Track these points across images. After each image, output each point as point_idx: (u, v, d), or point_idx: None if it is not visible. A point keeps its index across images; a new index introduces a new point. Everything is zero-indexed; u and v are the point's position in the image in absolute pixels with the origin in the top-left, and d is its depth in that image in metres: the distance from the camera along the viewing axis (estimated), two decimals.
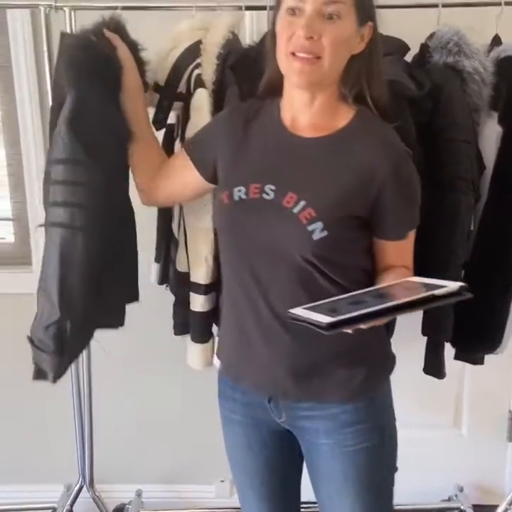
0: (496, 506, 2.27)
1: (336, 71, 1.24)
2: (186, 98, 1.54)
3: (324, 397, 1.32)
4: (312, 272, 1.24)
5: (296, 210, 1.22)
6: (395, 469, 1.41)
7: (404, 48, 1.61)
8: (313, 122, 1.29)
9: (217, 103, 1.52)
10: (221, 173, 1.37)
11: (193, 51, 1.53)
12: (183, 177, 1.45)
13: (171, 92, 1.54)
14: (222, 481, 2.36)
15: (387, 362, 1.40)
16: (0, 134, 2.15)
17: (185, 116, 1.56)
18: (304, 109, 1.29)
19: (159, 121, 1.57)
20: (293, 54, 1.20)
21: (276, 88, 1.33)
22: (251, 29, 1.88)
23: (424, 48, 1.61)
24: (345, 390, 1.31)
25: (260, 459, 1.45)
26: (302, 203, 1.22)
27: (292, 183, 1.25)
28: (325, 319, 1.01)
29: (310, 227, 1.21)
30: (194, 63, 1.52)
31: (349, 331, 1.04)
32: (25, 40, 1.99)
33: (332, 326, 1.00)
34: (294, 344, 1.28)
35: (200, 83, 1.50)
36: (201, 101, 1.49)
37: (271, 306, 1.28)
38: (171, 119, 1.62)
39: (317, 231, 1.20)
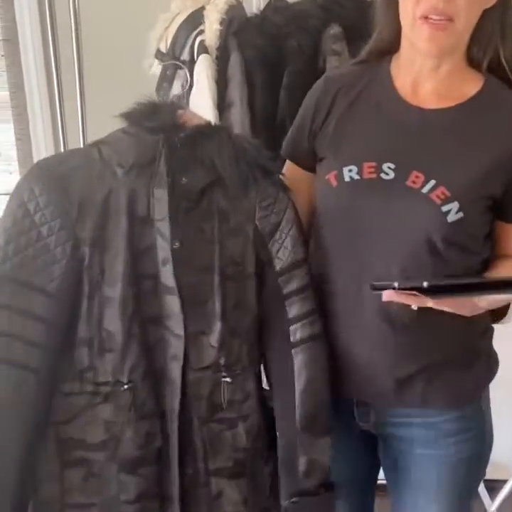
0: (504, 481, 2.27)
1: (467, 33, 1.10)
2: (190, 66, 1.53)
3: (428, 404, 1.18)
4: (434, 261, 1.11)
5: (425, 189, 1.09)
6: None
7: None
8: (437, 91, 1.14)
9: (221, 70, 1.51)
10: (323, 151, 1.21)
11: (197, 17, 1.52)
12: (303, 192, 1.23)
13: (175, 60, 1.54)
14: None
15: (493, 365, 1.27)
16: (9, 109, 2.15)
17: (190, 85, 1.55)
18: (427, 76, 1.13)
19: (163, 90, 1.57)
20: (423, 17, 1.05)
21: (387, 51, 1.18)
22: None
23: None
24: (452, 396, 1.18)
25: (338, 466, 1.29)
26: (432, 182, 1.09)
27: (416, 160, 1.11)
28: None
29: (444, 208, 1.07)
30: (197, 30, 1.52)
31: (421, 304, 0.99)
32: (31, 14, 1.99)
33: (430, 288, 0.96)
34: (400, 345, 1.15)
35: (203, 49, 1.49)
36: (205, 67, 1.48)
37: (378, 301, 1.09)
38: (176, 89, 1.62)
39: (452, 212, 1.07)
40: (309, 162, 1.25)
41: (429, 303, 1.00)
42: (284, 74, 1.50)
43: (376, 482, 1.40)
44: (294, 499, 1.18)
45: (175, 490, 1.16)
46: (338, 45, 1.49)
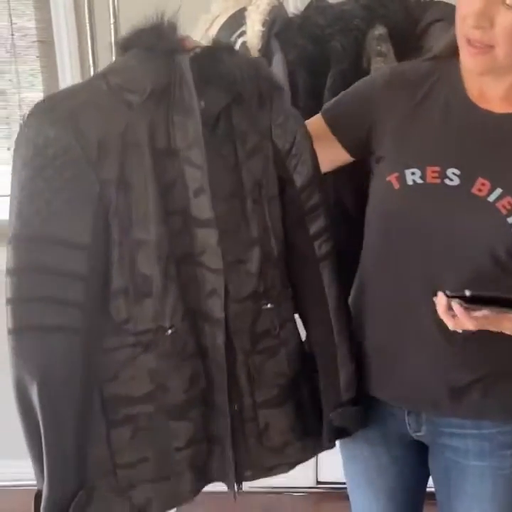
0: None
1: None
2: None
3: (483, 415, 1.16)
4: (496, 274, 1.07)
5: (491, 198, 1.05)
6: None
7: None
8: (507, 95, 1.09)
9: None
10: (384, 150, 1.17)
11: (238, 18, 1.50)
12: (321, 150, 1.21)
13: None
14: None
15: None
16: None
17: None
18: (494, 80, 1.08)
19: None
20: (466, 38, 1.03)
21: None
22: None
23: None
24: (508, 408, 1.16)
25: (389, 476, 1.31)
26: (498, 191, 1.05)
27: (482, 166, 1.07)
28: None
29: (511, 219, 1.04)
30: (239, 31, 1.50)
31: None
32: (67, 14, 2.00)
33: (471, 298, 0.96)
34: (456, 355, 1.12)
35: (245, 51, 1.47)
36: None
37: (435, 311, 1.06)
38: None
39: None
40: (353, 144, 1.23)
41: (470, 325, 0.98)
42: (327, 75, 1.47)
43: (425, 491, 1.38)
44: (339, 409, 1.20)
45: (224, 429, 1.13)
46: (383, 46, 1.46)
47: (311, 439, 1.23)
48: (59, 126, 0.98)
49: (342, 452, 1.37)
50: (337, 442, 1.29)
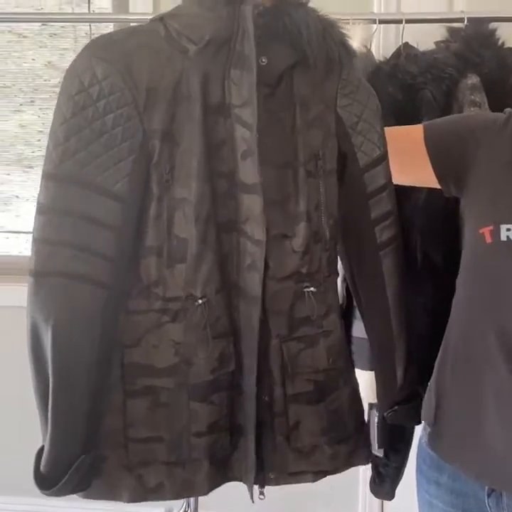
0: None
1: None
2: None
3: None
4: None
5: None
6: None
7: None
8: None
9: None
10: (479, 198, 1.10)
11: None
12: (411, 162, 1.15)
13: None
14: None
15: None
16: None
17: None
18: None
19: None
20: None
21: None
22: (377, 43, 1.83)
23: None
24: None
25: None
26: None
27: None
28: None
29: None
30: None
31: None
32: None
33: None
34: None
35: None
36: None
37: None
38: None
39: None
40: (445, 174, 1.15)
41: None
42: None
43: None
44: (395, 408, 1.11)
45: (250, 420, 1.03)
46: (477, 95, 1.42)
47: (345, 447, 1.11)
48: (108, 65, 0.93)
49: None
50: None
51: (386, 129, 1.15)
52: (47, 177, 0.96)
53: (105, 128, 0.93)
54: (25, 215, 2.14)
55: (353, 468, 1.16)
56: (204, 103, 0.96)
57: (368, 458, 1.17)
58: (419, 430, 1.21)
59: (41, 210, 0.96)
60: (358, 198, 1.08)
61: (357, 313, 1.32)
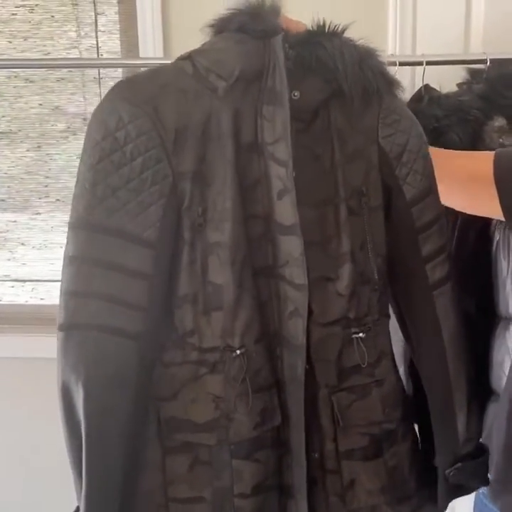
0: None
1: None
2: None
3: None
4: None
5: None
6: None
7: None
8: None
9: None
10: None
11: None
12: (476, 194, 1.12)
13: None
14: None
15: None
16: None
17: None
18: None
19: None
20: None
21: None
22: None
23: None
24: None
25: None
26: None
27: None
28: None
29: None
30: None
31: None
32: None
33: None
34: None
35: None
36: None
37: None
38: None
39: None
40: None
41: None
42: None
43: None
44: (458, 465, 1.01)
45: (299, 479, 0.95)
46: (505, 138, 1.38)
47: (407, 507, 1.04)
48: (134, 108, 0.90)
49: None
50: None
51: (445, 153, 1.11)
52: (74, 226, 0.92)
53: (133, 173, 0.90)
54: (30, 263, 2.08)
55: None
56: (236, 142, 0.93)
57: (448, 502, 1.09)
58: None
59: (68, 260, 0.92)
60: (405, 235, 1.03)
61: None
